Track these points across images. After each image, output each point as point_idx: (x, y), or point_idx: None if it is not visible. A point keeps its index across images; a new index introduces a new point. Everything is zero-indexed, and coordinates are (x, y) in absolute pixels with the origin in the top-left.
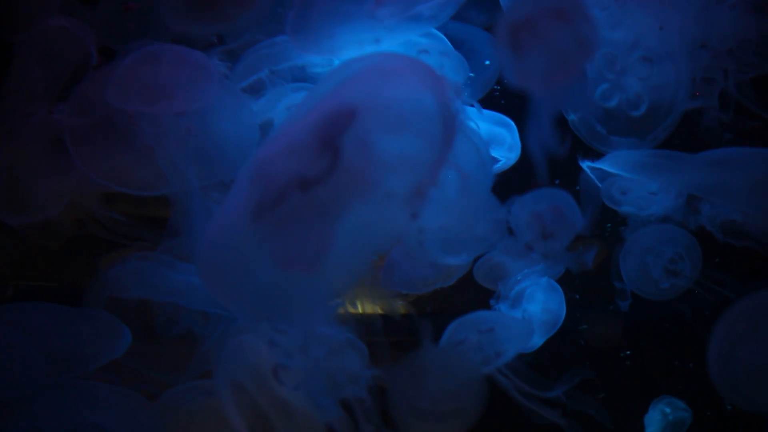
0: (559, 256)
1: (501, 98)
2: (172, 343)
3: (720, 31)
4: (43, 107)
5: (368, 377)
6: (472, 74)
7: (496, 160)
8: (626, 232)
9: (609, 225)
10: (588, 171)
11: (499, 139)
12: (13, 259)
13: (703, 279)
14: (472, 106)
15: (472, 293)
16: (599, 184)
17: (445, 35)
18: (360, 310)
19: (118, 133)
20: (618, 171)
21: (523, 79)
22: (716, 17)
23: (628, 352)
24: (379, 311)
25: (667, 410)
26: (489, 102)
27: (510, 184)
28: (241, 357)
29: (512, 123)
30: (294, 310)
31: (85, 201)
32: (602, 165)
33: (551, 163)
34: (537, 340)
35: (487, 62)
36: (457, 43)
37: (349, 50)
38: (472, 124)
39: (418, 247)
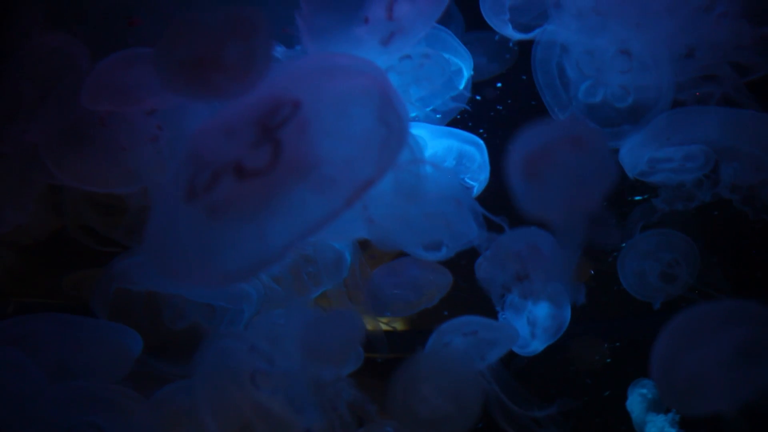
0: (539, 295)
1: (469, 120)
2: (178, 335)
3: (710, 40)
4: (16, 127)
5: (348, 388)
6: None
7: (469, 186)
8: (658, 202)
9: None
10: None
11: (469, 156)
12: (14, 276)
13: (699, 284)
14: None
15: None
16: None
17: None
18: None
19: (91, 137)
20: (647, 151)
21: (541, 209)
22: (704, 27)
23: (608, 360)
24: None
25: (644, 391)
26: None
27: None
28: (221, 361)
29: (482, 143)
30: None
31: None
32: (637, 168)
33: None
34: (538, 345)
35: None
36: None
37: None
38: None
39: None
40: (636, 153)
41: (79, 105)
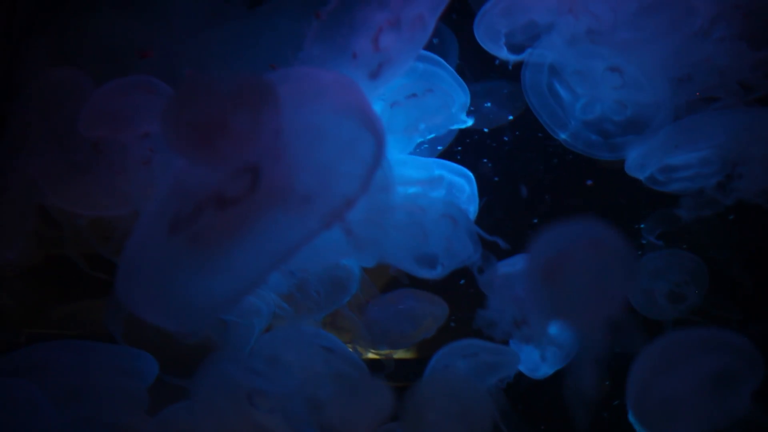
0: (540, 339)
1: (457, 155)
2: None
3: (709, 63)
4: (20, 160)
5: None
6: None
7: None
8: (681, 211)
9: None
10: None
11: (458, 188)
12: (26, 306)
13: (707, 306)
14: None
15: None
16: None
17: None
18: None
19: (86, 162)
20: (655, 159)
21: (561, 313)
22: (703, 51)
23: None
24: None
25: None
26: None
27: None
28: (220, 381)
29: (471, 175)
30: (207, 314)
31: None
32: (646, 173)
33: None
34: (547, 370)
35: None
36: None
37: None
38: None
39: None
40: (644, 161)
41: (77, 133)
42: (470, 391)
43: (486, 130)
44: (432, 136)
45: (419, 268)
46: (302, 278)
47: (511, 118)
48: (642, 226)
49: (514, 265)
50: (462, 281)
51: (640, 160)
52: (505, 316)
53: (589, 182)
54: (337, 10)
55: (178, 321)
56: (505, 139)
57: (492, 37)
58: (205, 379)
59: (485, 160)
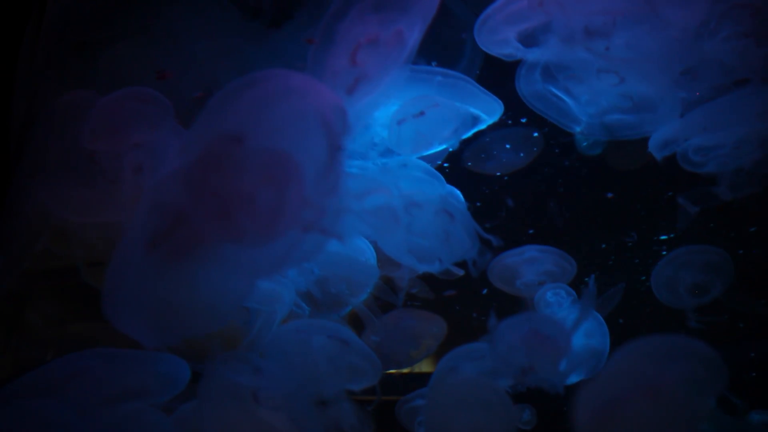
0: (553, 378)
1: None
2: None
3: (715, 60)
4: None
5: (350, 407)
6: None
7: None
8: (720, 191)
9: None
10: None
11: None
12: (52, 324)
13: (729, 302)
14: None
15: None
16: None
17: None
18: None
19: (86, 175)
20: (681, 140)
21: None
22: (704, 50)
23: None
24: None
25: None
26: None
27: None
28: (225, 381)
29: (459, 193)
30: (190, 331)
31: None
32: (662, 153)
33: None
34: (574, 378)
35: None
36: None
37: None
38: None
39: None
40: (669, 140)
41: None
42: (486, 388)
43: (508, 145)
44: (443, 147)
45: (417, 262)
46: (319, 276)
47: (536, 134)
48: (668, 237)
49: (521, 254)
50: (484, 290)
51: (665, 139)
52: (512, 363)
53: (610, 195)
54: (325, 32)
55: (160, 336)
56: (521, 155)
57: (495, 41)
58: (212, 379)
59: (498, 173)
